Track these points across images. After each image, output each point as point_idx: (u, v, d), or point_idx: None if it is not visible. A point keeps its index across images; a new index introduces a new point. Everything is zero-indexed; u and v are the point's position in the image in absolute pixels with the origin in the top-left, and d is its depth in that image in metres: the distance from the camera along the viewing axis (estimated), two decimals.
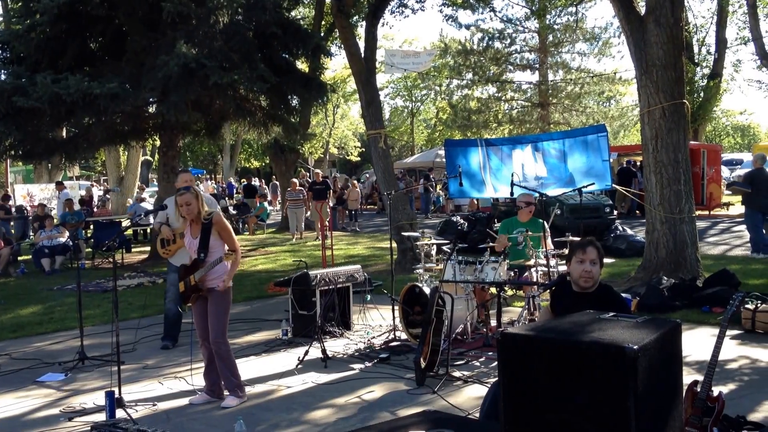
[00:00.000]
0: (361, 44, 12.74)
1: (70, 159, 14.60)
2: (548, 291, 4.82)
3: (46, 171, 24.27)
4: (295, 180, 18.64)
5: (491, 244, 7.15)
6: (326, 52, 14.61)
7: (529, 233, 6.99)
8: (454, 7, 24.43)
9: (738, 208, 20.84)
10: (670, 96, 8.61)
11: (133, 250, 16.33)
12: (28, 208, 20.20)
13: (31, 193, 23.85)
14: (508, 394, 2.91)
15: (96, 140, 13.55)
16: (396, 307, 6.90)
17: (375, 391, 5.32)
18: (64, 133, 16.40)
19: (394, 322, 6.95)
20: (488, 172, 10.60)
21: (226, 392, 5.23)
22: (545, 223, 7.20)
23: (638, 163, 20.86)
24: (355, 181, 26.73)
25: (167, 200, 7.61)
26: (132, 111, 12.56)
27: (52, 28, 12.00)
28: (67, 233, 13.69)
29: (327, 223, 16.14)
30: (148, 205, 18.02)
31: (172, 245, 6.71)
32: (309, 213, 18.62)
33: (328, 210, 16.24)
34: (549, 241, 7.13)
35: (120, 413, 4.83)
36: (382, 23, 19.48)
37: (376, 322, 7.62)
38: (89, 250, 14.80)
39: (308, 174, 33.63)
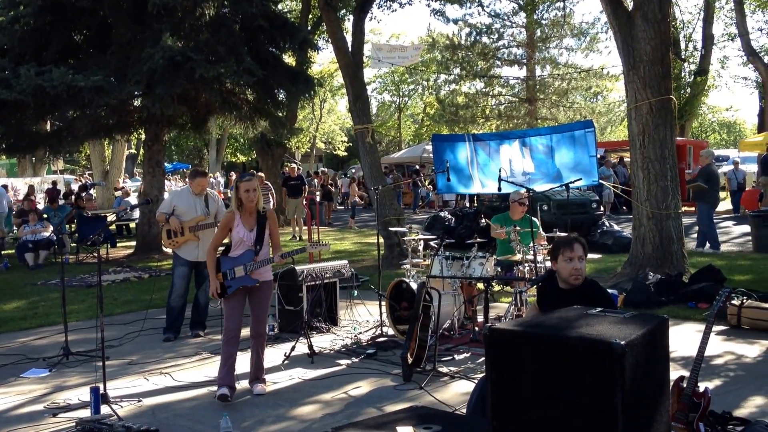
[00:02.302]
0: (349, 38, 12.70)
1: (55, 153, 14.46)
2: (535, 287, 4.82)
3: (30, 165, 24.01)
4: (261, 174, 18.25)
5: (479, 239, 7.16)
6: (313, 46, 14.57)
7: (520, 229, 7.00)
8: (442, 2, 24.39)
9: (723, 205, 21.02)
10: (657, 92, 8.64)
11: (118, 245, 16.17)
12: (12, 203, 19.92)
13: (15, 187, 23.52)
14: (495, 390, 2.90)
15: (80, 134, 13.40)
16: (383, 303, 6.87)
17: (362, 387, 5.30)
18: (48, 127, 16.18)
19: (381, 318, 6.92)
20: (476, 167, 10.60)
21: (256, 383, 5.27)
22: (537, 220, 7.22)
23: (609, 158, 20.89)
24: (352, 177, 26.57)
25: (174, 192, 7.64)
26: (117, 104, 12.42)
27: (36, 19, 11.85)
28: (51, 227, 13.51)
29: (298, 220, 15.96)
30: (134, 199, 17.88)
31: (179, 237, 6.80)
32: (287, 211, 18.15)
33: (303, 206, 15.95)
34: (543, 236, 7.15)
35: (105, 409, 4.79)
36: (370, 17, 19.37)
37: (363, 318, 7.60)
38: (74, 244, 14.64)
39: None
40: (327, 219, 21.01)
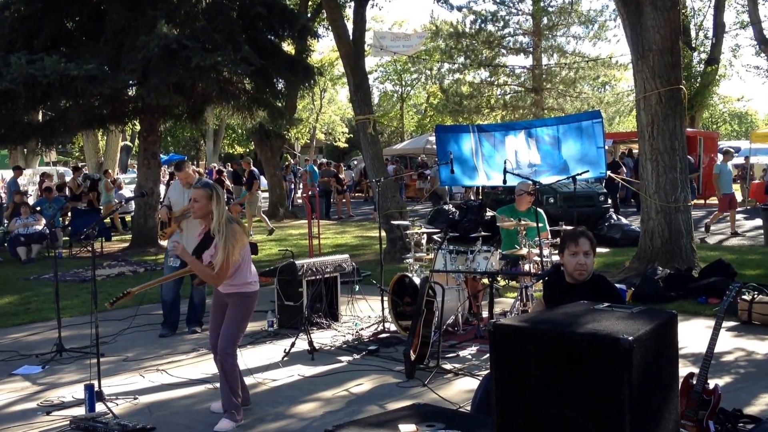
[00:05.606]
0: (350, 26, 12.52)
1: (47, 144, 14.21)
2: (541, 281, 4.72)
3: (22, 156, 23.81)
4: (200, 170, 18.08)
5: (483, 233, 7.04)
6: (313, 34, 14.34)
7: (528, 223, 6.88)
8: None
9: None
10: (666, 81, 8.50)
11: (113, 238, 16.00)
12: (3, 195, 19.77)
13: (5, 178, 23.40)
14: (500, 387, 2.83)
15: (73, 124, 13.27)
16: (385, 298, 6.80)
17: (363, 384, 5.24)
18: (40, 117, 16.00)
19: (383, 314, 6.86)
20: (480, 158, 10.48)
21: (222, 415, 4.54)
22: (543, 213, 7.10)
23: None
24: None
25: (171, 185, 7.71)
26: (111, 94, 12.23)
27: (27, 6, 11.70)
28: (43, 221, 13.32)
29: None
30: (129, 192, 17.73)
31: (167, 228, 6.90)
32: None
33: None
34: (548, 231, 7.04)
35: (100, 407, 4.74)
36: (372, 4, 19.08)
37: (365, 314, 7.50)
38: (67, 238, 14.46)
39: (295, 160, 33.33)
40: (348, 213, 20.45)
